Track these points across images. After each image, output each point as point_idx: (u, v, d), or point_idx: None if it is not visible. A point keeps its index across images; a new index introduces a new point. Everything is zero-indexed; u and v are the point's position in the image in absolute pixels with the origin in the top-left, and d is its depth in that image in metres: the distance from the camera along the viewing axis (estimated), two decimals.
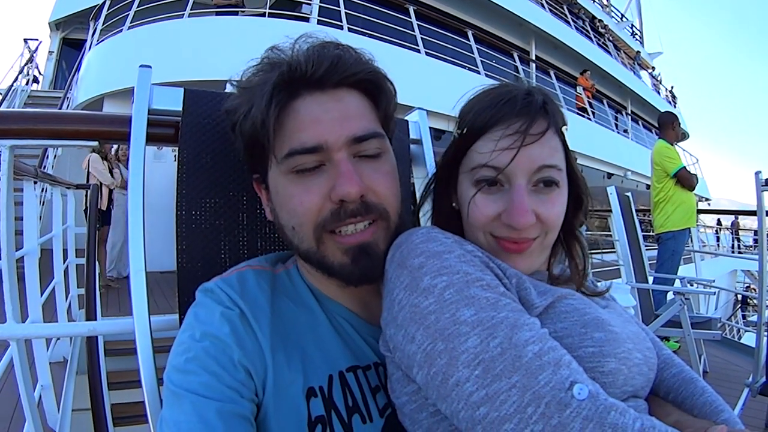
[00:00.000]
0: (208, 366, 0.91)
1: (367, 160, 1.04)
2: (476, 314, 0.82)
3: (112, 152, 8.57)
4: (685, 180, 5.84)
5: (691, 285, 4.97)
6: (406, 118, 1.60)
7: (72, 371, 4.34)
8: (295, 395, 0.97)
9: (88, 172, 8.20)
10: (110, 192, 8.34)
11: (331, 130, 1.00)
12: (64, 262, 4.87)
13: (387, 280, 0.97)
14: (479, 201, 1.03)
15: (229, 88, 1.12)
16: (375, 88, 1.09)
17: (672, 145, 6.01)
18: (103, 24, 10.83)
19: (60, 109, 11.11)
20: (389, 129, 1.14)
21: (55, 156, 10.46)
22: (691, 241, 7.64)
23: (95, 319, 3.96)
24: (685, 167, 5.87)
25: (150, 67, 1.26)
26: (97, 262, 8.08)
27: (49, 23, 15.97)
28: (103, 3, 11.15)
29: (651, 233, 6.71)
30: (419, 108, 1.65)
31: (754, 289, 16.60)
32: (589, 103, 17.41)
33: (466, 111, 1.08)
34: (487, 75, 12.98)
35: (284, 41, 1.06)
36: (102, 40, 10.32)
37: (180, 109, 1.25)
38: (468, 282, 0.87)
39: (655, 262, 6.13)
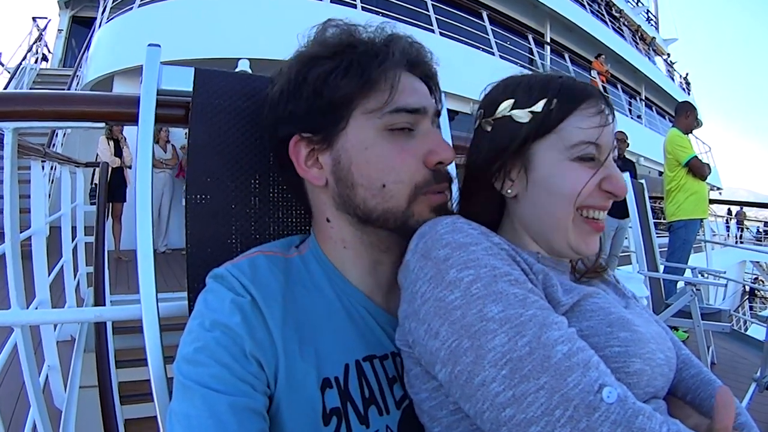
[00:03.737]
0: (219, 357, 0.89)
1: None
2: (504, 311, 0.79)
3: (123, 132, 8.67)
4: (697, 169, 5.82)
5: (702, 275, 4.94)
6: None
7: (80, 350, 4.36)
8: (309, 387, 0.94)
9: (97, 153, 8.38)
10: (121, 170, 8.55)
11: (426, 99, 1.09)
12: (73, 240, 4.87)
13: (409, 270, 0.94)
14: (579, 172, 1.00)
15: (240, 67, 1.08)
16: (434, 82, 1.18)
17: (685, 134, 5.99)
18: (113, 2, 10.86)
19: (69, 87, 11.21)
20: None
21: (64, 134, 10.49)
22: (702, 230, 7.62)
23: (104, 299, 3.96)
24: (696, 156, 5.84)
25: (159, 46, 1.23)
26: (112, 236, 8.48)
27: (57, 1, 16.03)
28: None
29: (663, 221, 6.68)
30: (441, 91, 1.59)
31: (763, 281, 16.63)
32: (604, 88, 17.33)
33: (530, 92, 1.04)
34: (501, 57, 12.97)
35: (358, 25, 1.10)
36: (112, 18, 10.35)
37: (190, 89, 1.22)
38: (496, 276, 0.84)
39: (665, 250, 6.12)
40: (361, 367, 1.00)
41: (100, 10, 11.48)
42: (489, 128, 1.04)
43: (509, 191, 1.06)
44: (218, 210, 1.20)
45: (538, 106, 1.00)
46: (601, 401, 0.71)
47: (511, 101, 1.02)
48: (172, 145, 9.65)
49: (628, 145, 7.14)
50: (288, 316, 0.97)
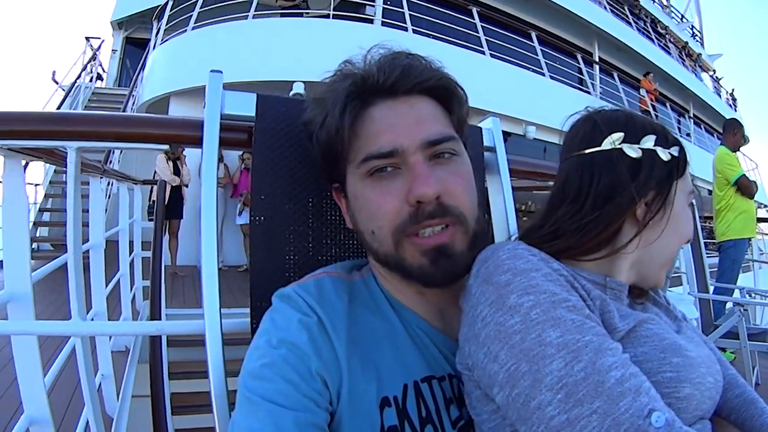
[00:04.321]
0: (285, 374, 0.92)
1: (442, 163, 1.04)
2: (562, 336, 0.81)
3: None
4: (745, 188, 5.75)
5: (750, 295, 4.85)
6: (479, 125, 1.59)
7: (134, 360, 4.44)
8: (369, 405, 0.96)
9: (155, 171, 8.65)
10: (179, 188, 8.81)
11: (405, 134, 1.01)
12: (130, 255, 5.01)
13: (470, 295, 0.95)
14: (690, 218, 1.11)
15: (295, 90, 1.13)
16: (446, 93, 1.11)
17: (733, 151, 5.91)
18: (167, 24, 11.09)
19: (125, 106, 11.44)
20: (462, 133, 1.14)
21: (121, 152, 10.71)
22: (750, 249, 7.48)
23: (159, 312, 4.03)
24: (745, 175, 5.77)
25: (221, 72, 1.28)
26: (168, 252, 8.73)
27: (111, 22, 16.49)
28: (166, 3, 11.46)
29: (713, 241, 6.58)
30: (492, 113, 1.63)
31: None
32: (653, 106, 17.11)
33: (645, 131, 1.07)
34: (551, 77, 12.84)
35: (357, 53, 1.08)
36: (166, 40, 10.58)
37: (252, 114, 1.27)
38: (555, 303, 0.86)
39: (715, 270, 6.00)
40: (419, 388, 1.01)
41: (154, 32, 11.75)
42: (635, 155, 1.04)
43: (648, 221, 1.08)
44: (279, 231, 1.24)
45: (675, 150, 1.06)
46: (650, 425, 0.73)
47: (653, 137, 1.05)
48: (225, 165, 9.80)
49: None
50: (352, 336, 0.99)
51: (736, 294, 5.20)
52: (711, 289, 5.20)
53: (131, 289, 5.10)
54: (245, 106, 1.28)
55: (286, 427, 0.87)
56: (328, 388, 0.94)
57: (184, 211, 9.07)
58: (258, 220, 1.24)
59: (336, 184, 1.14)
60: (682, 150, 1.07)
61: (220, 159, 9.65)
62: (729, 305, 4.92)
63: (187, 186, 8.97)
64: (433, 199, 1.00)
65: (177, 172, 8.81)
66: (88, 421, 2.14)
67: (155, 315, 3.90)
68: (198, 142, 1.25)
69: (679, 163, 1.06)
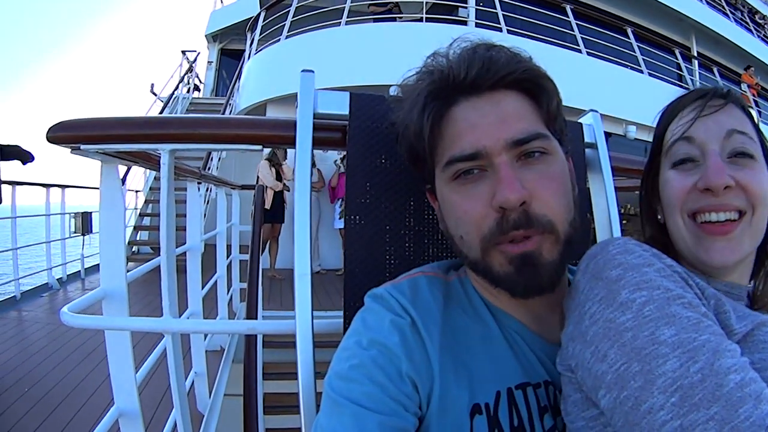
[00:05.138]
0: (373, 376, 0.89)
1: (531, 164, 0.97)
2: (677, 335, 0.75)
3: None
4: None
5: None
6: (579, 120, 1.53)
7: (228, 360, 4.57)
8: (460, 411, 0.92)
9: (258, 176, 8.89)
10: (281, 193, 9.04)
11: (489, 134, 0.95)
12: (228, 258, 5.15)
13: (578, 292, 0.91)
14: (674, 177, 1.01)
15: (391, 93, 1.11)
16: (533, 86, 1.02)
17: None
18: (261, 34, 11.39)
19: (223, 114, 11.74)
20: (555, 129, 1.05)
21: (219, 158, 11.01)
22: None
23: (256, 313, 4.12)
24: None
25: (312, 71, 1.27)
26: (268, 255, 9.10)
27: (205, 36, 17.22)
28: (258, 15, 11.76)
29: None
30: (593, 110, 1.57)
31: None
32: (755, 102, 16.45)
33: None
34: (650, 74, 12.40)
35: (442, 45, 1.03)
36: (260, 50, 10.86)
37: (346, 113, 1.26)
38: (669, 299, 0.80)
39: None
40: (512, 395, 0.97)
41: (248, 42, 12.07)
42: None
43: (660, 218, 1.06)
44: (375, 231, 1.23)
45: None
46: None
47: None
48: (318, 170, 9.94)
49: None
50: (446, 339, 0.96)
51: None
52: None
53: (228, 291, 5.24)
54: (338, 104, 1.27)
55: (369, 430, 0.84)
56: (418, 392, 0.91)
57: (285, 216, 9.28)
58: (353, 220, 1.23)
59: (429, 186, 1.11)
60: None
61: (313, 164, 9.81)
62: None
63: (289, 190, 9.13)
64: (518, 206, 0.93)
65: (279, 178, 9.02)
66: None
67: (251, 316, 3.97)
68: (292, 142, 1.25)
69: None
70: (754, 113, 1.03)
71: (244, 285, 4.83)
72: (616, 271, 0.86)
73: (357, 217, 1.23)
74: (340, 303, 1.20)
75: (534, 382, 1.00)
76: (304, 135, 1.23)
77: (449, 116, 0.99)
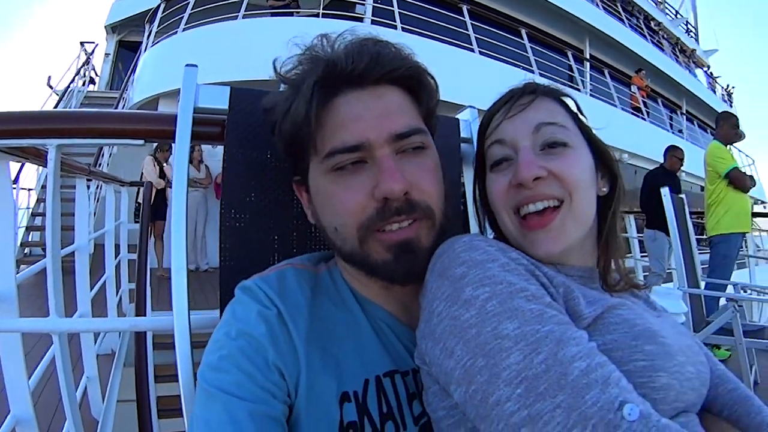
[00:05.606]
0: (241, 365, 0.91)
1: (409, 157, 1.02)
2: (520, 328, 0.78)
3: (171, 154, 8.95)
4: (738, 181, 5.69)
5: (745, 291, 4.84)
6: (457, 116, 1.57)
7: (119, 363, 4.45)
8: (328, 399, 0.95)
9: (142, 173, 8.71)
10: (164, 190, 8.87)
11: (372, 127, 0.98)
12: (116, 257, 4.98)
13: (427, 290, 0.94)
14: (493, 180, 1.05)
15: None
16: (416, 83, 1.07)
17: (726, 145, 5.91)
18: (159, 26, 11.11)
19: (116, 109, 11.43)
20: (431, 125, 1.11)
21: (110, 155, 10.73)
22: (746, 245, 7.49)
23: (145, 314, 4.04)
24: (737, 168, 5.73)
25: (196, 66, 1.26)
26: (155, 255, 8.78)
27: (105, 27, 16.65)
28: (158, 6, 11.45)
29: (705, 237, 6.62)
30: (471, 107, 1.61)
31: None
32: (644, 103, 17.22)
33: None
34: (541, 74, 12.85)
35: (333, 32, 1.04)
36: (157, 42, 10.58)
37: (226, 107, 1.24)
38: (512, 293, 0.83)
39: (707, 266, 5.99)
40: (380, 383, 1.00)
41: (146, 34, 11.75)
42: None
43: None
44: (252, 226, 1.23)
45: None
46: (622, 419, 0.68)
47: None
48: (206, 166, 9.82)
49: (681, 162, 7.18)
50: (312, 330, 0.98)
51: (730, 290, 5.18)
52: (702, 285, 5.19)
53: (117, 292, 5.07)
54: (219, 99, 1.26)
55: (240, 418, 0.86)
56: (285, 381, 0.93)
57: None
58: (230, 214, 1.22)
59: (297, 177, 1.12)
60: None
61: (201, 160, 9.72)
62: (723, 301, 4.90)
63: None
64: (401, 195, 0.97)
65: (164, 175, 8.87)
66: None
67: (140, 316, 3.89)
68: (173, 137, 1.22)
69: None
70: (570, 102, 1.09)
71: (134, 285, 4.73)
72: (461, 269, 0.88)
73: (233, 211, 1.22)
74: None
75: (402, 370, 1.03)
76: (184, 129, 1.21)
77: (333, 105, 1.00)
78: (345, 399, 0.95)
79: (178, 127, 1.21)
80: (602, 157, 1.09)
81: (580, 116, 1.08)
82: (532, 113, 1.03)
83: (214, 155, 9.75)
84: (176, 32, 10.15)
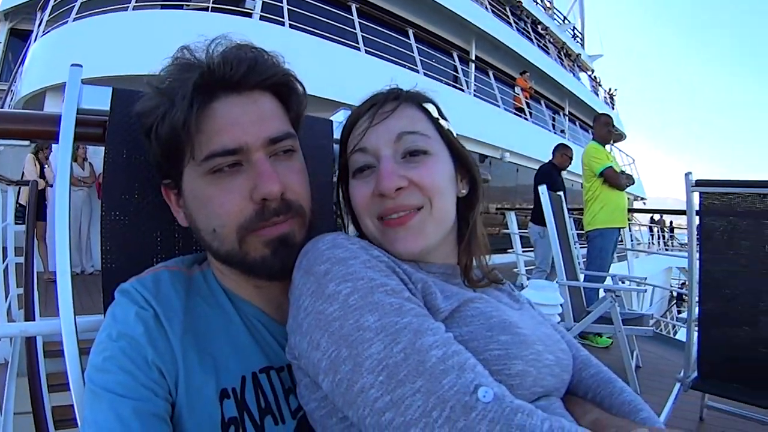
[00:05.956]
0: (123, 365, 0.93)
1: (281, 160, 1.08)
2: (380, 320, 0.83)
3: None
4: (611, 179, 6.02)
5: (623, 282, 5.08)
6: (331, 118, 1.61)
7: (13, 374, 4.25)
8: (208, 396, 0.98)
9: (23, 172, 8.31)
10: (43, 190, 8.37)
11: (249, 131, 1.02)
12: (3, 261, 4.78)
13: (294, 287, 0.98)
14: (355, 187, 1.10)
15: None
16: (287, 89, 1.14)
17: (603, 145, 6.23)
18: (50, 15, 10.60)
19: (3, 102, 10.93)
20: (298, 129, 1.16)
21: None
22: (623, 238, 7.85)
23: (34, 319, 3.91)
24: (611, 167, 6.03)
25: (80, 66, 1.25)
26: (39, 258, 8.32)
27: None
28: None
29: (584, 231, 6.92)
30: (350, 107, 1.62)
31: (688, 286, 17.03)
32: (527, 104, 17.73)
33: None
34: (426, 74, 13.16)
35: (198, 41, 1.07)
36: (47, 32, 10.09)
37: (107, 108, 1.24)
38: (372, 288, 0.88)
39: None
40: (257, 379, 1.04)
41: (37, 23, 11.17)
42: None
43: None
44: (133, 227, 1.23)
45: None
46: (477, 401, 0.74)
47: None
48: (90, 163, 9.45)
49: (570, 160, 7.51)
50: (188, 330, 1.01)
51: (609, 282, 5.46)
52: (582, 277, 5.43)
53: (6, 299, 4.84)
54: (102, 100, 1.25)
55: (125, 416, 0.89)
56: (165, 378, 0.96)
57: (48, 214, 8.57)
58: (111, 216, 1.22)
59: (167, 181, 1.13)
60: None
61: (85, 158, 9.37)
62: (602, 293, 5.13)
63: (51, 186, 8.48)
64: (279, 196, 1.02)
65: (44, 173, 8.48)
66: None
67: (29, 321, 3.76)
68: (56, 137, 1.22)
69: None
70: (432, 108, 1.15)
71: (22, 290, 4.55)
72: (325, 266, 0.93)
73: (114, 213, 1.23)
74: None
75: (277, 366, 1.08)
76: (67, 130, 1.21)
77: (210, 111, 1.02)
78: (224, 396, 1.00)
79: (61, 129, 1.20)
80: (462, 161, 1.16)
81: (442, 121, 1.14)
82: (394, 121, 1.08)
83: (98, 153, 9.36)
84: (66, 22, 9.70)
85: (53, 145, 1.23)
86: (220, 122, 1.02)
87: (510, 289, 1.27)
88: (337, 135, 1.58)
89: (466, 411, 0.73)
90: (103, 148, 1.23)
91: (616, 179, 6.01)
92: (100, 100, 1.26)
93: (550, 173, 7.29)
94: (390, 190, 1.02)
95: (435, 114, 1.14)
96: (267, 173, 1.01)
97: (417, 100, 1.14)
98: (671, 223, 24.69)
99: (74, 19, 9.65)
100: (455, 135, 1.17)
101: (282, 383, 1.07)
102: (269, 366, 1.08)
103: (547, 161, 7.68)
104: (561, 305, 3.80)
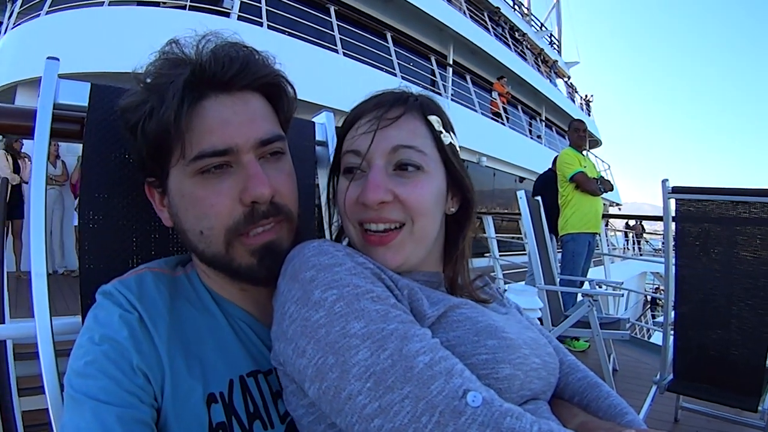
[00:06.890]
0: (107, 370, 0.90)
1: (270, 162, 1.06)
2: (366, 327, 0.83)
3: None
4: (582, 184, 6.04)
5: (600, 287, 5.13)
6: (312, 119, 1.60)
7: None
8: (195, 401, 0.96)
9: None
10: (20, 186, 8.28)
11: (240, 132, 1.00)
12: None
13: (279, 293, 0.97)
14: (343, 186, 1.08)
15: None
16: (278, 91, 1.11)
17: (579, 151, 6.27)
18: (21, 6, 10.34)
19: None
20: (286, 131, 1.15)
21: None
22: (599, 244, 7.92)
23: (3, 320, 3.85)
24: (582, 171, 6.06)
25: (58, 59, 1.22)
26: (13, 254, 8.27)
27: None
28: None
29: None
30: (327, 109, 1.64)
31: (662, 290, 17.31)
32: (504, 109, 17.90)
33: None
34: (403, 77, 13.21)
35: (187, 35, 1.04)
36: (18, 24, 9.91)
37: (86, 104, 1.21)
38: (358, 295, 0.87)
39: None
40: (245, 383, 1.02)
41: (7, 14, 10.94)
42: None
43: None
44: (111, 227, 1.21)
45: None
46: (467, 405, 0.74)
47: None
48: (62, 162, 9.33)
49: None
50: (174, 333, 0.99)
51: (586, 286, 5.49)
52: (558, 281, 5.47)
53: None
54: (80, 95, 1.22)
55: (109, 423, 0.86)
56: (150, 384, 0.94)
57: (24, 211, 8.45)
58: (88, 216, 1.20)
59: (151, 179, 1.10)
60: None
61: (58, 156, 9.24)
62: (580, 297, 5.18)
63: (27, 183, 8.39)
64: (269, 199, 1.00)
65: (18, 169, 8.34)
66: None
67: None
68: (31, 133, 1.18)
69: None
70: (435, 121, 1.10)
71: None
72: (310, 273, 0.92)
73: (92, 212, 1.20)
74: None
75: (264, 370, 1.06)
76: (43, 126, 1.18)
77: (200, 109, 0.99)
78: (212, 400, 0.97)
79: (37, 124, 1.17)
80: (456, 181, 1.13)
81: (444, 136, 1.11)
82: (395, 132, 1.05)
83: (70, 151, 9.26)
84: (39, 15, 9.53)
85: (28, 141, 1.20)
86: (209, 122, 0.99)
87: (499, 296, 1.27)
88: (319, 137, 1.58)
89: (455, 416, 0.73)
90: (80, 145, 1.20)
91: (587, 184, 6.04)
92: (78, 96, 1.22)
93: (554, 179, 6.92)
94: (373, 203, 1.01)
95: (438, 128, 1.11)
96: (257, 176, 1.00)
97: (423, 110, 1.11)
98: (643, 227, 24.99)
99: (47, 12, 9.50)
100: (458, 148, 1.15)
101: (270, 387, 1.06)
102: (257, 370, 1.06)
103: (547, 168, 7.49)
104: (540, 309, 3.83)
